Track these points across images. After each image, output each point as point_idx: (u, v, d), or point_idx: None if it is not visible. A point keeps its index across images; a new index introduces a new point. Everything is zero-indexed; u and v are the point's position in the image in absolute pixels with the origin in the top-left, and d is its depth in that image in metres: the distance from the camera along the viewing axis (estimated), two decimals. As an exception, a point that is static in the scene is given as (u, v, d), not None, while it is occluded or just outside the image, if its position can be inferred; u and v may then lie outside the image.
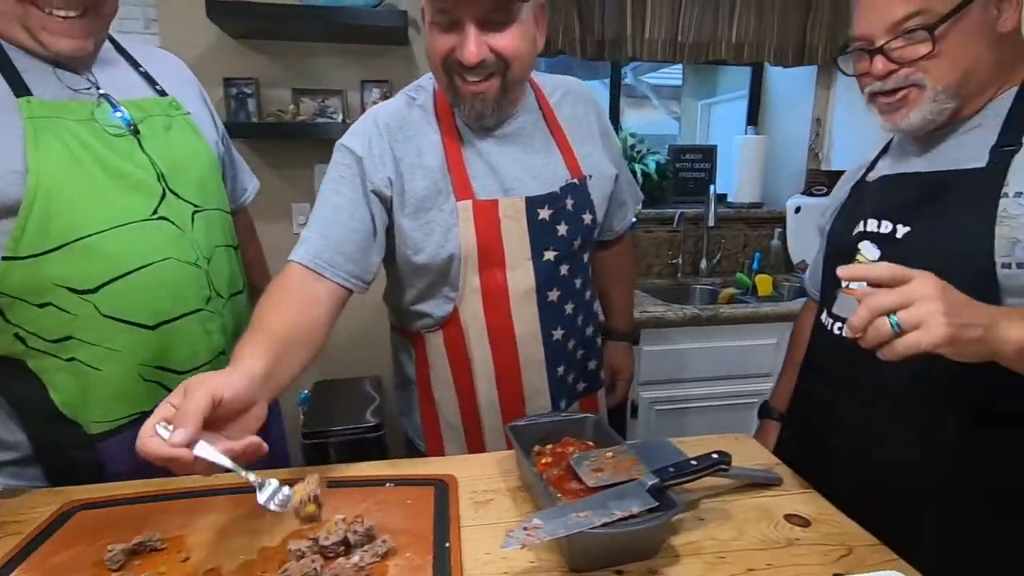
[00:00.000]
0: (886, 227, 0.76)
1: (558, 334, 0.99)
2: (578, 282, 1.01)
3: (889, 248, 0.75)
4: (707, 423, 1.83)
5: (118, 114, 0.80)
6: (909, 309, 0.52)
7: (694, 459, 0.68)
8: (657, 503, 0.62)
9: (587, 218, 0.98)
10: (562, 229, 0.95)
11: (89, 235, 0.75)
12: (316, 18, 1.73)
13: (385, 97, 1.95)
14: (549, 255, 0.94)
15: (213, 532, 0.67)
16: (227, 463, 0.59)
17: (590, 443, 0.80)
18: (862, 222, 0.80)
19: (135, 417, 0.81)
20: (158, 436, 0.58)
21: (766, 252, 2.36)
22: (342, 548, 0.62)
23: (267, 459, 1.00)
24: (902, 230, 0.75)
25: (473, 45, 0.78)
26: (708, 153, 2.45)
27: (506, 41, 0.80)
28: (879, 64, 0.71)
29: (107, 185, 0.76)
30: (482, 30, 0.79)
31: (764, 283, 2.18)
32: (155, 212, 0.80)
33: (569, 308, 1.00)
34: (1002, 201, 0.66)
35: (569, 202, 0.95)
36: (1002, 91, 0.71)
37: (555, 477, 0.72)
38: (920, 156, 0.78)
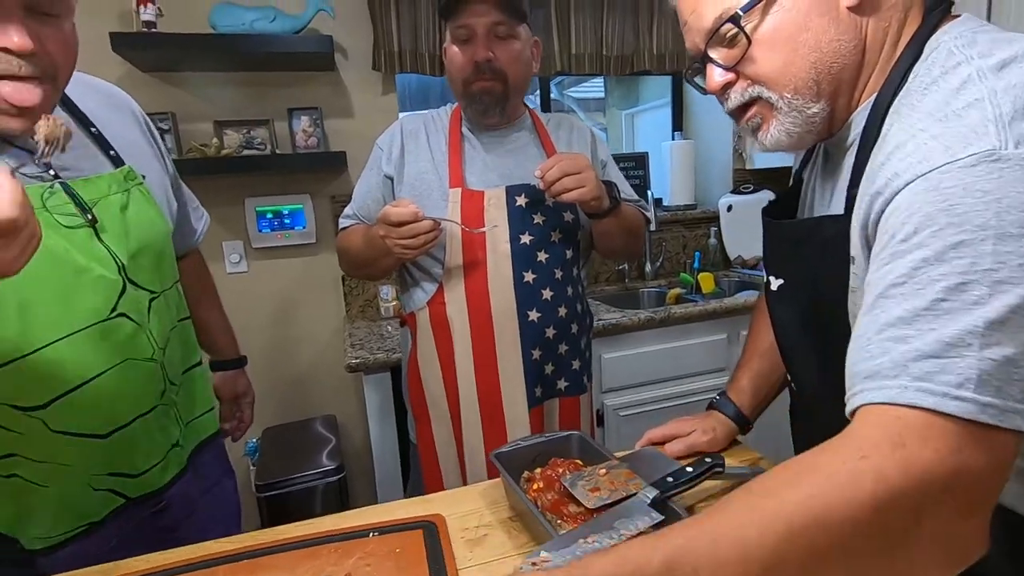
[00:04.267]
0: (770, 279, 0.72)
1: (534, 315, 1.09)
2: (558, 272, 1.11)
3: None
4: (671, 423, 1.85)
5: (71, 205, 0.71)
6: None
7: (689, 465, 0.67)
8: (663, 516, 0.60)
9: (567, 215, 1.12)
10: (538, 218, 1.10)
11: (41, 347, 0.68)
12: (233, 47, 1.65)
13: (315, 124, 1.88)
14: (525, 239, 1.08)
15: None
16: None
17: (578, 461, 0.78)
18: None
19: (82, 528, 0.75)
20: None
21: (704, 251, 2.45)
22: (333, 615, 0.56)
23: (225, 519, 0.94)
24: (776, 282, 0.70)
25: (484, 49, 1.04)
26: (640, 160, 2.53)
27: (506, 53, 1.06)
28: (712, 78, 0.62)
29: (64, 287, 0.69)
30: (488, 41, 1.04)
31: (707, 280, 2.26)
32: (113, 310, 0.74)
33: (547, 294, 1.10)
34: (852, 267, 0.57)
35: (549, 198, 1.03)
36: (868, 95, 0.59)
37: (551, 502, 0.69)
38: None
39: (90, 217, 0.73)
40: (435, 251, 1.07)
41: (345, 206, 1.96)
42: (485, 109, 1.08)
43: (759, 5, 0.56)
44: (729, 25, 0.58)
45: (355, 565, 0.66)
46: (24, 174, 0.69)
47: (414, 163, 1.13)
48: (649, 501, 0.62)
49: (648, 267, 2.37)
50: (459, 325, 1.10)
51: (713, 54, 0.61)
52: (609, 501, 0.65)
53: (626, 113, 3.69)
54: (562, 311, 1.13)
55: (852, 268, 0.57)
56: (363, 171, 1.20)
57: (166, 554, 0.72)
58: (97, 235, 0.74)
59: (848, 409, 0.49)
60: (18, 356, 0.67)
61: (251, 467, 1.86)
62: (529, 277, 1.09)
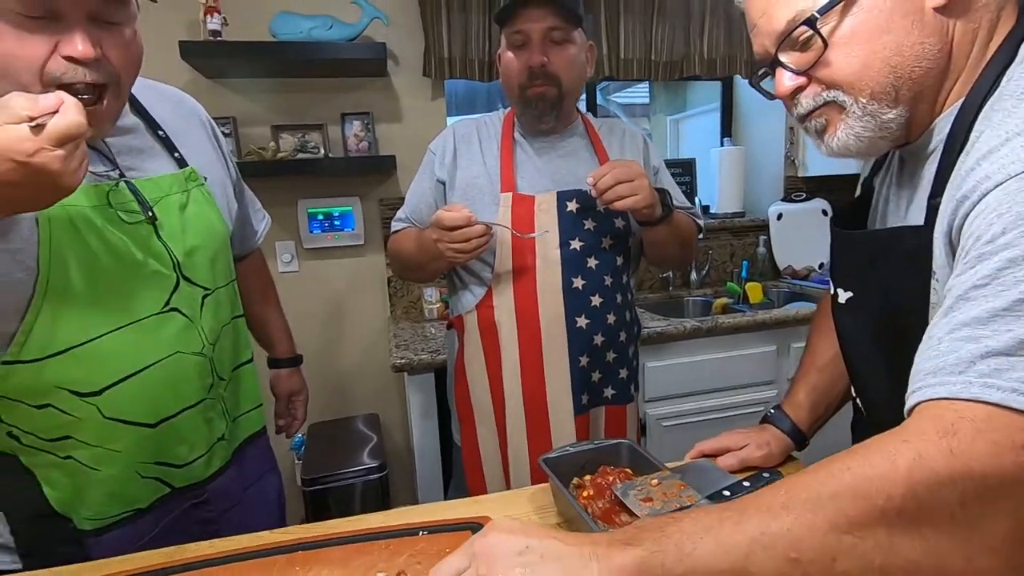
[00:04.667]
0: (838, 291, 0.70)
1: (582, 322, 1.09)
2: (608, 279, 1.11)
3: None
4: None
5: (134, 203, 0.75)
6: None
7: (745, 480, 0.66)
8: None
9: (619, 222, 1.12)
10: (589, 224, 1.09)
11: (97, 337, 0.71)
12: (292, 54, 1.71)
13: (367, 129, 1.93)
14: (575, 244, 1.08)
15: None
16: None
17: (628, 470, 0.77)
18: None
19: (128, 514, 0.78)
20: None
21: (752, 260, 2.38)
22: (387, 610, 0.57)
23: (266, 514, 0.97)
24: (844, 295, 0.67)
25: (539, 54, 1.04)
26: (687, 166, 2.49)
27: (560, 58, 1.06)
28: (782, 82, 0.60)
29: (120, 281, 0.73)
30: (544, 46, 1.05)
31: (754, 291, 2.20)
32: (167, 304, 0.77)
33: (596, 300, 1.10)
34: (933, 282, 0.54)
35: (600, 204, 1.01)
36: (953, 100, 0.56)
37: (602, 511, 0.68)
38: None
39: (150, 214, 0.76)
40: (485, 255, 1.07)
41: (392, 209, 2.03)
42: (540, 114, 1.08)
43: (838, 6, 0.54)
44: (803, 28, 0.56)
45: (406, 563, 0.67)
46: (91, 171, 0.72)
47: (466, 168, 1.14)
48: (705, 514, 0.60)
49: (693, 275, 2.33)
50: (507, 329, 1.10)
51: (784, 58, 0.59)
52: (663, 512, 0.64)
53: (672, 118, 3.64)
54: (611, 318, 1.12)
55: (933, 282, 0.55)
56: (416, 175, 1.21)
57: (227, 541, 0.75)
58: (156, 232, 0.77)
59: (907, 407, 0.47)
60: (76, 344, 0.70)
61: (296, 461, 1.91)
62: (578, 283, 1.08)
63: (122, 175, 0.76)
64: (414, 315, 2.08)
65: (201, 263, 0.82)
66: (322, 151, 1.91)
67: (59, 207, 0.67)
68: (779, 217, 2.38)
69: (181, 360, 0.78)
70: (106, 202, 0.72)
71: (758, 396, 1.85)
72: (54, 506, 0.73)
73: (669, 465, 0.76)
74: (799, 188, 2.43)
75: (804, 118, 0.62)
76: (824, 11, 0.55)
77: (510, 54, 1.08)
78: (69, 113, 0.54)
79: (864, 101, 0.56)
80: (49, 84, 0.64)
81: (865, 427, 0.76)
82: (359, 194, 2.00)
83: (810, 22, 0.55)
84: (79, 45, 0.63)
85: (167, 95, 0.90)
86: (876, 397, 0.69)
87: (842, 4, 0.55)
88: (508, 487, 1.15)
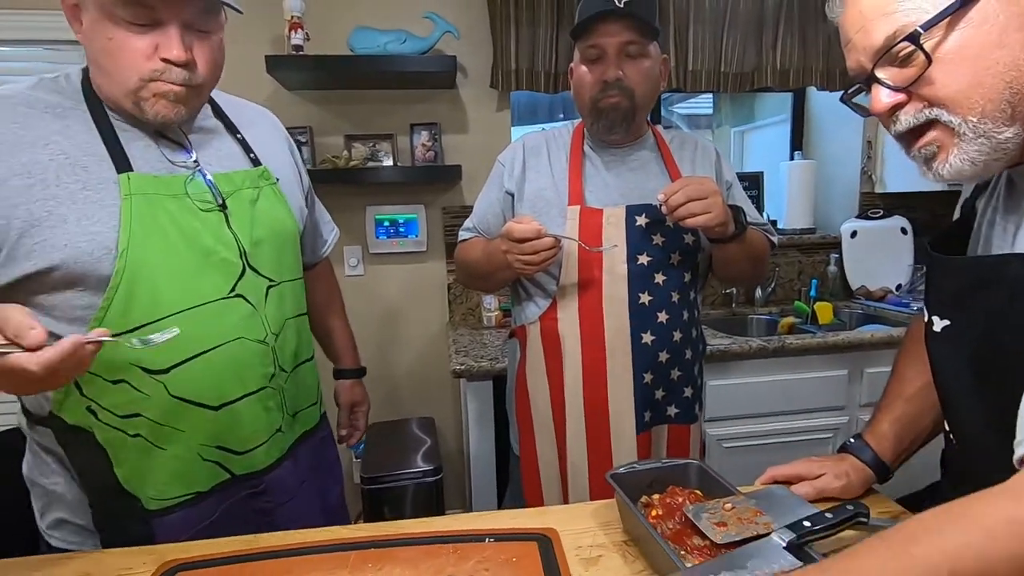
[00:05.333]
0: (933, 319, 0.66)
1: (647, 338, 1.07)
2: (675, 295, 1.09)
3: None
4: (780, 461, 1.73)
5: (208, 193, 0.80)
6: None
7: (828, 511, 0.63)
8: (801, 562, 0.56)
9: (688, 238, 1.09)
10: (658, 239, 1.08)
11: (168, 316, 0.75)
12: (368, 67, 1.78)
13: (434, 139, 1.98)
14: (643, 259, 1.07)
15: (318, 597, 0.64)
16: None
17: (697, 492, 0.75)
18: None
19: (190, 497, 0.80)
20: None
21: (822, 279, 2.28)
22: (458, 615, 0.58)
23: (321, 509, 1.00)
24: (940, 323, 0.64)
25: (614, 67, 1.04)
26: (755, 180, 2.42)
27: (635, 71, 1.05)
28: (879, 99, 0.57)
29: (191, 264, 0.77)
30: (619, 60, 1.05)
31: (824, 311, 2.10)
32: (233, 290, 0.80)
33: (662, 317, 1.08)
34: None
35: (669, 218, 0.98)
36: None
37: (672, 532, 0.67)
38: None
39: (221, 203, 0.81)
40: (551, 267, 1.07)
41: (455, 217, 2.08)
42: (611, 126, 1.08)
43: (944, 21, 0.52)
44: (905, 44, 0.54)
45: (474, 568, 0.68)
46: (172, 162, 0.79)
47: (534, 180, 1.14)
48: (784, 544, 0.58)
49: (758, 292, 2.25)
50: (570, 342, 1.10)
51: (881, 74, 0.57)
52: (738, 539, 0.62)
53: (737, 130, 3.54)
54: (677, 335, 1.10)
55: None
56: (484, 186, 1.23)
57: (301, 533, 0.78)
58: (227, 221, 0.81)
59: (1016, 456, 0.44)
60: (148, 321, 0.73)
61: (355, 459, 1.97)
62: (645, 299, 1.07)
63: (199, 167, 0.81)
64: (472, 322, 2.10)
65: (267, 255, 0.86)
66: (391, 160, 1.97)
67: (141, 194, 0.74)
68: (853, 235, 2.27)
69: (244, 345, 0.81)
70: (184, 191, 0.78)
71: (826, 422, 1.77)
72: (123, 484, 0.76)
73: (743, 490, 0.74)
74: (875, 204, 2.31)
75: (909, 142, 0.59)
76: (929, 26, 0.52)
77: (583, 68, 1.08)
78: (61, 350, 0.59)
79: (975, 121, 0.53)
80: (148, 81, 0.72)
81: (958, 465, 0.72)
82: (424, 202, 2.05)
83: (913, 38, 0.53)
84: (175, 49, 0.71)
85: (251, 109, 0.98)
86: (971, 431, 0.65)
87: (949, 19, 0.52)
88: (565, 500, 1.15)
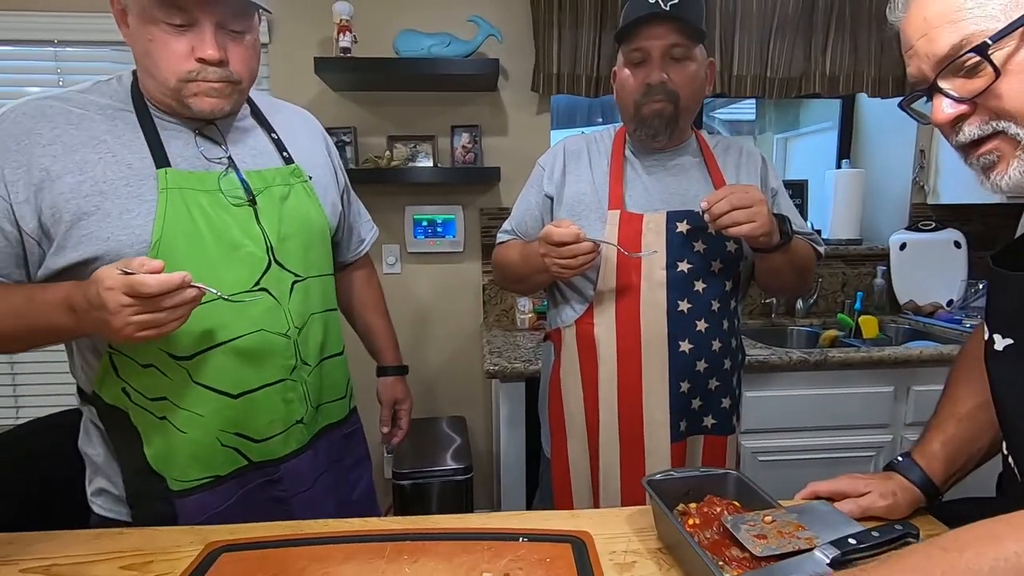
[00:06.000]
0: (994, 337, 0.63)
1: (685, 346, 1.06)
2: (715, 304, 1.07)
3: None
4: (818, 477, 1.67)
5: (240, 189, 0.84)
6: None
7: (874, 530, 0.61)
8: (845, 581, 0.55)
9: (730, 246, 1.07)
10: (699, 246, 1.06)
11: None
12: (413, 70, 1.81)
13: (474, 141, 2.00)
14: (683, 267, 1.05)
15: (356, 584, 0.66)
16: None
17: (736, 503, 0.74)
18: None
19: (209, 480, 0.83)
20: None
21: (868, 291, 2.20)
22: (492, 611, 0.59)
23: (355, 503, 1.02)
24: (1002, 342, 0.61)
25: (658, 71, 1.03)
26: (799, 188, 2.36)
27: (680, 75, 1.04)
28: (941, 110, 0.56)
29: (217, 256, 0.80)
30: (663, 63, 1.03)
31: (869, 325, 2.03)
32: (257, 283, 0.83)
33: (701, 325, 1.07)
34: None
35: (712, 227, 0.97)
36: None
37: (709, 541, 0.66)
38: None
39: (251, 199, 0.84)
40: (588, 272, 1.07)
41: (493, 219, 2.09)
42: (655, 132, 1.07)
43: (1017, 31, 0.50)
44: (972, 54, 0.52)
45: (508, 566, 0.68)
46: (208, 159, 0.83)
47: (574, 183, 1.14)
48: (828, 561, 0.57)
49: (799, 304, 2.19)
50: (606, 347, 1.09)
51: (945, 84, 0.55)
52: (778, 552, 0.61)
53: (779, 137, 3.46)
54: (716, 345, 1.08)
55: None
56: (523, 188, 1.23)
57: (340, 523, 0.80)
58: (256, 216, 0.84)
59: None
60: None
61: (386, 454, 2.00)
62: (684, 306, 1.06)
63: (232, 164, 0.85)
64: (505, 323, 2.11)
65: (293, 250, 0.88)
66: (431, 161, 2.00)
67: (176, 188, 0.79)
68: (902, 247, 2.19)
69: (265, 338, 0.83)
70: (217, 186, 0.82)
71: (869, 439, 1.71)
72: (151, 463, 0.80)
73: (783, 503, 0.72)
74: (927, 216, 2.23)
75: (969, 152, 0.57)
76: (999, 37, 0.50)
77: (627, 71, 1.07)
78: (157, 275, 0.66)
79: None
80: (187, 82, 0.77)
81: (1017, 486, 0.68)
82: (462, 203, 2.07)
83: (981, 49, 0.51)
84: (208, 49, 0.76)
85: (289, 109, 1.02)
86: None
87: (1022, 29, 0.50)
88: (596, 505, 1.14)
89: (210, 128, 0.85)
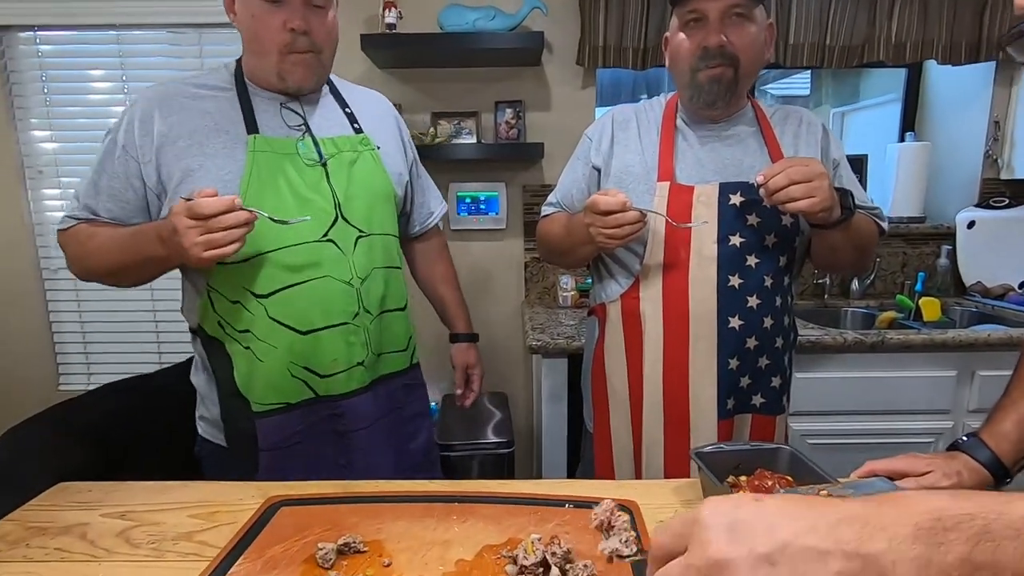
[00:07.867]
0: None
1: (735, 322, 1.03)
2: (768, 280, 1.04)
3: None
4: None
5: (314, 152, 0.97)
6: None
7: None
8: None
9: (786, 219, 1.03)
10: (752, 219, 1.02)
11: (272, 250, 0.91)
12: (458, 45, 1.81)
13: (518, 116, 1.99)
14: (735, 240, 1.02)
15: (409, 539, 0.68)
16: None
17: (788, 478, 0.72)
18: None
19: (281, 406, 0.95)
20: None
21: (931, 272, 2.09)
22: (541, 570, 0.60)
23: (414, 452, 1.09)
24: None
25: (716, 33, 0.98)
26: (858, 163, 2.24)
27: (740, 37, 0.99)
28: None
29: (293, 209, 0.92)
30: (722, 25, 0.98)
31: (931, 307, 1.93)
32: (325, 235, 0.95)
33: (752, 301, 1.03)
34: None
35: (767, 201, 0.93)
36: None
37: (761, 513, 0.65)
38: None
39: (323, 161, 0.96)
40: (634, 245, 1.05)
41: (535, 196, 2.08)
42: (713, 100, 1.02)
43: None
44: None
45: (554, 530, 0.69)
46: (289, 126, 0.97)
47: (622, 154, 1.11)
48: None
49: (855, 284, 2.10)
50: (652, 323, 1.07)
51: None
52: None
53: (836, 111, 3.30)
54: (767, 322, 1.05)
55: None
56: (570, 160, 1.21)
57: (391, 484, 0.83)
58: (327, 176, 0.96)
59: None
60: (257, 254, 0.90)
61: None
62: (735, 282, 1.02)
63: (309, 131, 0.98)
64: (547, 301, 2.11)
65: (359, 208, 0.99)
66: (474, 137, 2.00)
67: (262, 151, 0.93)
68: (970, 225, 2.06)
69: (330, 283, 0.95)
70: (295, 150, 0.95)
71: (928, 425, 1.64)
72: (239, 387, 0.93)
73: (841, 480, 0.70)
74: (999, 192, 2.08)
75: None
76: None
77: (681, 35, 1.02)
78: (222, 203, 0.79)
79: None
80: (286, 53, 0.92)
81: None
82: (505, 180, 2.07)
83: None
84: (297, 19, 0.90)
85: (364, 92, 1.15)
86: None
87: None
88: (639, 479, 1.14)
89: (293, 102, 0.98)
